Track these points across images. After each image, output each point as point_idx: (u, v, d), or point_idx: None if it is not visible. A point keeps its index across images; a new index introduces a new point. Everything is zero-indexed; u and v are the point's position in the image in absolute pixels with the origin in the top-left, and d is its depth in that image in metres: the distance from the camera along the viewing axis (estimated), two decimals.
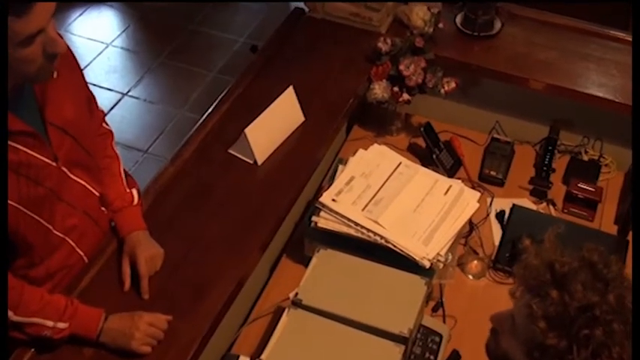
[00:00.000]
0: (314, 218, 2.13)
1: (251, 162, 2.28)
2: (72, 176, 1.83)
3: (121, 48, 4.69)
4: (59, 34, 1.59)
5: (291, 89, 2.38)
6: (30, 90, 1.69)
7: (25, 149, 1.66)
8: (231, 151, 2.31)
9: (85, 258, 1.96)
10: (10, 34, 1.48)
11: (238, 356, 1.96)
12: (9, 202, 1.66)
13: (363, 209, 2.12)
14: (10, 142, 1.62)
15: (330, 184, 2.21)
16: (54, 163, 1.75)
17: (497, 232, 2.38)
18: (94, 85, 4.28)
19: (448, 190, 2.20)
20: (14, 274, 1.78)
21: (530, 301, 1.33)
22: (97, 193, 1.95)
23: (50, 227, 1.80)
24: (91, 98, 1.98)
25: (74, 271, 1.95)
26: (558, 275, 1.31)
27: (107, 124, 2.09)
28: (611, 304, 1.28)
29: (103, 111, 2.09)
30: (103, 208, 1.99)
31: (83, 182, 1.88)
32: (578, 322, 1.27)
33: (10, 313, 1.70)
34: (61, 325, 1.77)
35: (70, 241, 1.89)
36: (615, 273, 1.32)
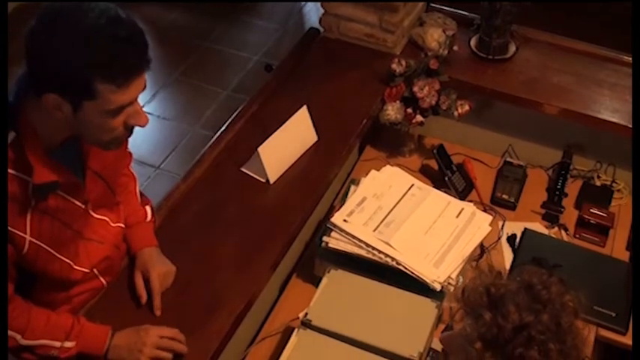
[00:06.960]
0: (325, 238, 2.13)
1: (263, 181, 2.29)
2: (95, 215, 1.84)
3: None
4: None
5: (304, 109, 2.39)
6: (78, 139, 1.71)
7: (65, 196, 1.69)
8: (243, 169, 2.32)
9: (105, 285, 1.97)
10: (103, 102, 1.50)
11: None
12: (40, 244, 1.67)
13: (374, 230, 2.11)
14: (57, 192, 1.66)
15: (342, 205, 2.22)
16: (83, 206, 1.77)
17: (508, 256, 2.37)
18: None
19: (460, 212, 2.20)
20: (28, 296, 1.78)
21: (465, 324, 1.37)
22: (120, 226, 1.95)
23: (71, 263, 1.80)
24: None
25: (94, 293, 1.95)
26: (494, 297, 1.35)
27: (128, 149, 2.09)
28: (545, 324, 1.31)
29: (131, 153, 2.07)
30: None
31: (105, 218, 1.88)
32: (513, 342, 1.30)
33: (18, 337, 1.71)
34: (68, 344, 1.76)
35: (95, 271, 1.89)
36: (555, 294, 1.36)
